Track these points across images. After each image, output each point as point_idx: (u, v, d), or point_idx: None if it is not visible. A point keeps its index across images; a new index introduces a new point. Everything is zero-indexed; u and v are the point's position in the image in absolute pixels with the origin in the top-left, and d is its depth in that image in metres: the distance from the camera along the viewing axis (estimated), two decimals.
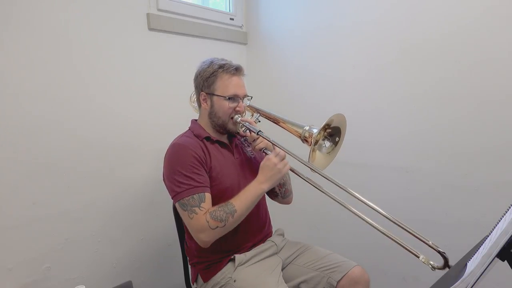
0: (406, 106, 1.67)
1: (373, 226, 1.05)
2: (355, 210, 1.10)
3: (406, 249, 0.98)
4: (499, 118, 1.44)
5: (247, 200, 1.19)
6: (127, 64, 1.61)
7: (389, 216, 1.04)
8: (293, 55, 2.06)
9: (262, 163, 1.23)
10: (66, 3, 1.40)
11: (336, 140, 1.27)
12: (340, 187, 1.15)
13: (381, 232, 1.03)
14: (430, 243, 0.95)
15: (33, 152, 1.33)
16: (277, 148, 1.24)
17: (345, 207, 1.12)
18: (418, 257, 0.95)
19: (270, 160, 1.21)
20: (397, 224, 1.02)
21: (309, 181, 1.21)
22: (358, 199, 1.10)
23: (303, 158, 1.20)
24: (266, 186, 1.21)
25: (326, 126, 1.24)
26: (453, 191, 1.58)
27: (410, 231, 0.99)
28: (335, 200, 1.14)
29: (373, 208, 1.08)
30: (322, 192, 1.18)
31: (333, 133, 1.27)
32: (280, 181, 1.30)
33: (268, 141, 1.29)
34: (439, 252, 0.92)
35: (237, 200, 1.18)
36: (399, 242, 1.00)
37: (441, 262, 0.93)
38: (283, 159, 1.23)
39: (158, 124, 1.74)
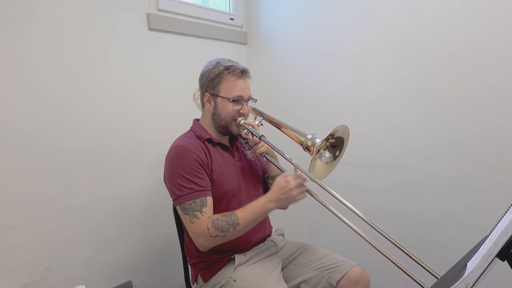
0: (407, 106, 1.67)
1: (368, 242, 1.06)
2: (351, 224, 1.10)
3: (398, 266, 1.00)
4: (499, 118, 1.44)
5: (253, 214, 1.16)
6: (127, 64, 1.61)
7: (385, 234, 1.05)
8: (293, 55, 2.06)
9: (278, 179, 1.16)
10: (66, 3, 1.40)
11: (337, 154, 1.25)
12: (339, 200, 1.11)
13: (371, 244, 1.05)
14: (422, 263, 0.96)
15: (33, 152, 1.33)
16: (299, 171, 1.15)
17: (339, 218, 1.11)
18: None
19: (287, 182, 1.13)
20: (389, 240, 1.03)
21: (316, 198, 1.16)
22: (358, 215, 1.10)
23: (301, 162, 1.18)
24: (274, 206, 1.15)
25: (330, 137, 1.21)
26: (453, 191, 1.58)
27: (404, 249, 1.00)
28: (332, 212, 1.12)
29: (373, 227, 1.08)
30: (323, 204, 1.14)
31: (335, 144, 1.24)
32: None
33: (270, 147, 1.29)
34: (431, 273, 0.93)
35: (242, 212, 1.16)
36: (392, 259, 1.02)
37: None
38: (302, 184, 1.14)
39: (158, 124, 1.74)
